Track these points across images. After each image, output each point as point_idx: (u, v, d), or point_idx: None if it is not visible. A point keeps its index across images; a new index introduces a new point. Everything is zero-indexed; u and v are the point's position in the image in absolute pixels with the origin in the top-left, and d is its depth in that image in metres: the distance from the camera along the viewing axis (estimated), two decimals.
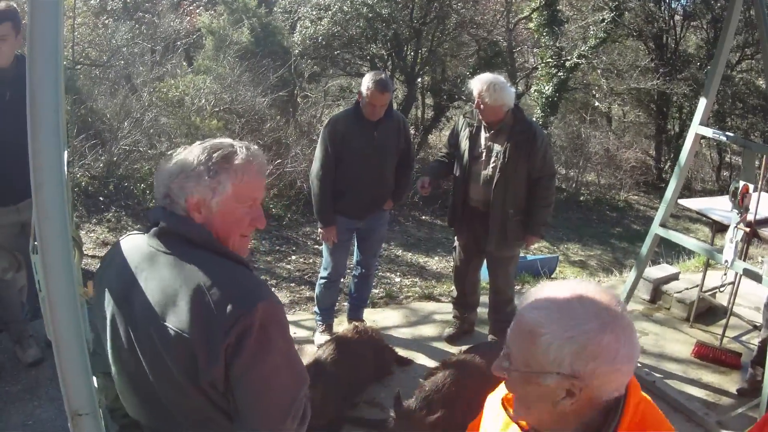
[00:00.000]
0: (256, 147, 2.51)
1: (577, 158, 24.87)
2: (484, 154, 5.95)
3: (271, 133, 15.87)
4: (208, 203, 2.35)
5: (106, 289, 2.39)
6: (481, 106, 5.78)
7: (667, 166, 26.92)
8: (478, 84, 5.78)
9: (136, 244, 2.38)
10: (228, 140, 2.46)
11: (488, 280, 6.76)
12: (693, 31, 28.11)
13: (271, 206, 14.31)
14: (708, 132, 6.08)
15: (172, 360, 2.19)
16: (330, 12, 20.15)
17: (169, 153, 2.41)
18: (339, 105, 21.64)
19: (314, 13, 20.58)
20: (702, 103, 6.03)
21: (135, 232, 2.50)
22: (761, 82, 25.92)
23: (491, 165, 5.89)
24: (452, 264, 7.25)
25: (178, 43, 18.27)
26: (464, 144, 6.06)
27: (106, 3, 19.94)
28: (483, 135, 5.98)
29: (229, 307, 2.15)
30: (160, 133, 13.86)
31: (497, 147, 5.86)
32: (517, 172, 5.84)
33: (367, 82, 5.79)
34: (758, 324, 7.01)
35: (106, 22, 17.21)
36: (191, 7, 21.05)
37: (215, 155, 2.36)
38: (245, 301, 2.18)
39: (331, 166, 5.95)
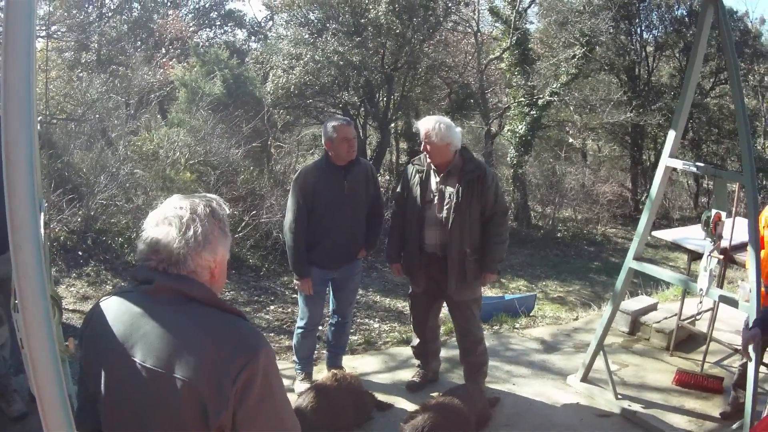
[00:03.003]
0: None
1: (553, 195, 25.02)
2: (436, 197, 5.92)
3: (246, 185, 15.97)
4: (223, 260, 2.47)
5: (99, 347, 2.39)
6: (428, 146, 5.79)
7: (643, 197, 27.08)
8: (424, 125, 5.81)
9: (125, 302, 2.39)
10: (195, 195, 2.51)
11: (452, 324, 6.73)
12: (666, 61, 28.53)
13: (248, 257, 14.31)
14: (678, 164, 6.11)
15: (181, 410, 2.22)
16: (302, 61, 20.35)
17: (153, 216, 2.41)
18: (313, 154, 22.04)
19: (286, 62, 20.78)
20: (671, 135, 6.05)
21: (118, 290, 2.53)
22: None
23: (445, 207, 5.85)
24: (409, 313, 7.22)
25: (152, 96, 18.45)
26: (415, 190, 6.02)
27: (81, 56, 20.12)
28: (433, 179, 5.97)
29: (235, 356, 2.22)
30: (136, 187, 13.91)
31: (449, 189, 5.84)
32: (471, 212, 5.83)
33: (330, 125, 5.88)
34: (738, 347, 7.03)
35: (81, 75, 17.49)
36: (164, 60, 21.34)
37: (218, 211, 2.46)
38: (249, 350, 2.25)
39: (303, 217, 5.95)
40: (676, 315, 7.97)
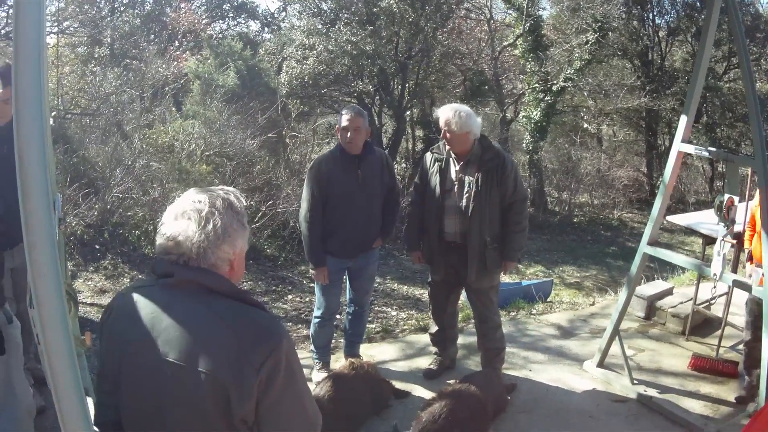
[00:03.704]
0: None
1: (569, 180, 24.97)
2: (456, 186, 5.94)
3: (262, 175, 15.99)
4: (242, 252, 2.50)
5: (119, 340, 2.44)
6: (448, 135, 5.81)
7: (659, 182, 26.94)
8: (443, 113, 5.82)
9: (146, 295, 2.42)
10: (212, 188, 2.55)
11: (471, 310, 6.76)
12: (678, 46, 28.29)
13: (265, 246, 14.33)
14: (690, 149, 6.12)
15: (205, 402, 2.26)
16: (315, 51, 20.37)
17: (172, 210, 2.44)
18: (328, 143, 21.76)
19: (299, 53, 20.82)
20: (683, 120, 6.03)
21: (137, 284, 2.56)
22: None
23: (465, 196, 5.87)
24: (428, 300, 7.22)
25: (166, 88, 18.40)
26: (434, 179, 6.04)
27: (94, 50, 20.16)
28: (453, 168, 5.98)
29: (258, 346, 2.27)
30: (152, 180, 13.92)
31: (469, 177, 5.86)
32: (490, 200, 5.84)
33: (343, 113, 5.96)
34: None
35: (94, 69, 17.47)
36: (177, 52, 21.34)
37: (235, 203, 2.51)
38: (271, 340, 2.31)
39: (318, 207, 5.97)
40: (691, 300, 7.98)
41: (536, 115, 22.84)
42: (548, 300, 10.88)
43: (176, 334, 2.30)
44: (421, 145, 24.58)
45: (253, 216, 13.96)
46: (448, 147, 5.96)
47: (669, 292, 8.73)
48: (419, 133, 25.14)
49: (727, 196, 5.66)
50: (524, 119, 23.57)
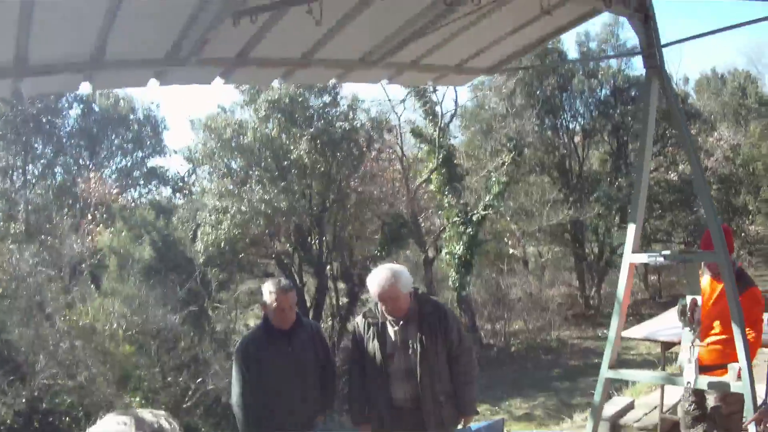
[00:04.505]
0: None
1: (501, 310, 25.00)
2: (399, 348, 5.52)
3: (188, 351, 15.77)
4: None
5: None
6: (386, 304, 5.42)
7: (593, 292, 27.18)
8: (373, 283, 5.45)
9: None
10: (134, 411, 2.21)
11: None
12: (595, 147, 29.13)
13: (200, 424, 13.86)
14: (643, 258, 5.95)
15: None
16: (229, 214, 20.33)
17: None
18: (252, 309, 21.76)
19: (213, 217, 20.77)
20: (631, 229, 5.83)
21: None
22: (672, 175, 26.59)
23: (410, 357, 5.47)
24: None
25: (83, 265, 18.37)
26: (372, 345, 5.58)
27: (9, 227, 20.03)
28: (391, 330, 5.56)
29: None
30: (77, 363, 13.72)
31: (411, 337, 5.47)
32: (438, 359, 5.47)
33: (268, 289, 5.55)
34: None
35: (11, 247, 17.33)
36: (91, 226, 21.22)
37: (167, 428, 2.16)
38: None
39: (250, 390, 5.59)
40: (655, 408, 7.91)
41: (459, 249, 22.92)
42: None
43: None
44: (345, 299, 24.47)
45: (183, 395, 13.77)
46: (382, 308, 5.54)
47: (630, 406, 8.57)
48: (341, 286, 24.95)
49: (689, 297, 5.45)
50: (447, 256, 23.63)
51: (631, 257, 5.78)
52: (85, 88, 4.97)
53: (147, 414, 2.16)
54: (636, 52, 5.70)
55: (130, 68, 4.85)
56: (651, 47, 5.48)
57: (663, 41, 5.52)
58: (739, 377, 5.31)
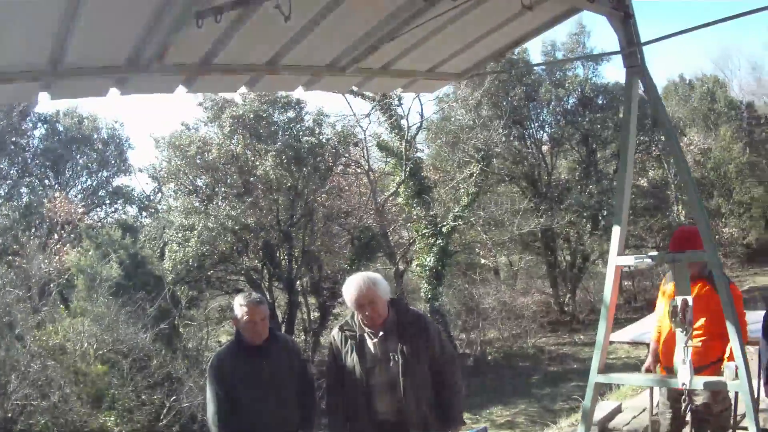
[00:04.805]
0: None
1: (475, 319, 24.82)
2: (379, 361, 5.31)
3: (161, 369, 15.58)
4: None
5: None
6: (365, 313, 5.22)
7: (567, 299, 27.19)
8: (350, 290, 5.24)
9: None
10: None
11: None
12: (563, 156, 29.19)
13: None
14: (629, 260, 5.81)
15: None
16: (196, 231, 20.15)
17: None
18: (223, 326, 21.60)
19: (180, 235, 20.63)
20: (616, 231, 5.68)
21: None
22: (642, 181, 26.70)
23: (392, 370, 5.26)
24: None
25: (51, 285, 18.26)
26: (351, 359, 5.37)
27: None
28: (370, 342, 5.36)
29: None
30: (50, 383, 13.60)
31: (392, 349, 5.27)
32: (420, 367, 5.27)
33: (238, 303, 5.36)
34: None
35: None
36: (58, 246, 21.11)
37: None
38: None
39: (225, 409, 5.35)
40: (644, 411, 7.79)
41: (430, 261, 22.87)
42: None
43: None
44: (316, 313, 24.45)
45: (158, 413, 13.71)
46: (359, 320, 5.34)
47: (618, 409, 8.45)
48: (312, 300, 24.84)
49: (679, 298, 5.29)
50: (418, 268, 23.54)
51: (617, 260, 5.61)
52: (43, 98, 4.74)
53: None
54: (614, 52, 5.48)
55: (89, 76, 4.59)
56: (632, 46, 5.32)
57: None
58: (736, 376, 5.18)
